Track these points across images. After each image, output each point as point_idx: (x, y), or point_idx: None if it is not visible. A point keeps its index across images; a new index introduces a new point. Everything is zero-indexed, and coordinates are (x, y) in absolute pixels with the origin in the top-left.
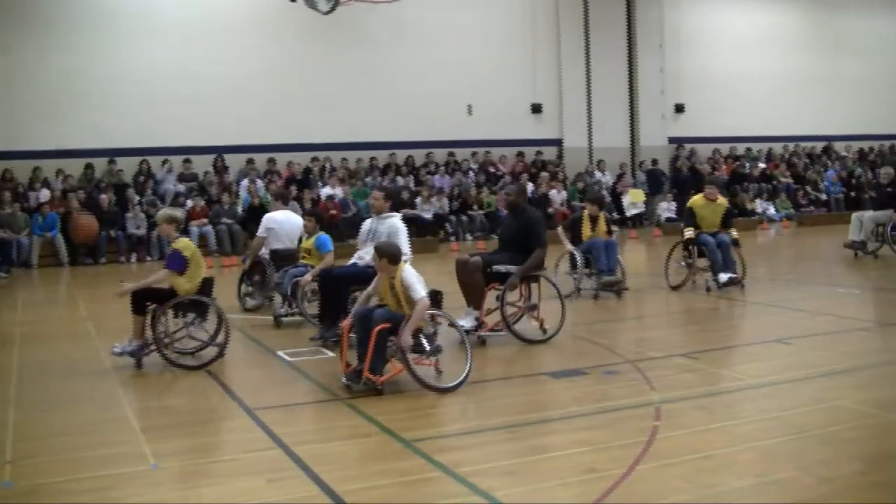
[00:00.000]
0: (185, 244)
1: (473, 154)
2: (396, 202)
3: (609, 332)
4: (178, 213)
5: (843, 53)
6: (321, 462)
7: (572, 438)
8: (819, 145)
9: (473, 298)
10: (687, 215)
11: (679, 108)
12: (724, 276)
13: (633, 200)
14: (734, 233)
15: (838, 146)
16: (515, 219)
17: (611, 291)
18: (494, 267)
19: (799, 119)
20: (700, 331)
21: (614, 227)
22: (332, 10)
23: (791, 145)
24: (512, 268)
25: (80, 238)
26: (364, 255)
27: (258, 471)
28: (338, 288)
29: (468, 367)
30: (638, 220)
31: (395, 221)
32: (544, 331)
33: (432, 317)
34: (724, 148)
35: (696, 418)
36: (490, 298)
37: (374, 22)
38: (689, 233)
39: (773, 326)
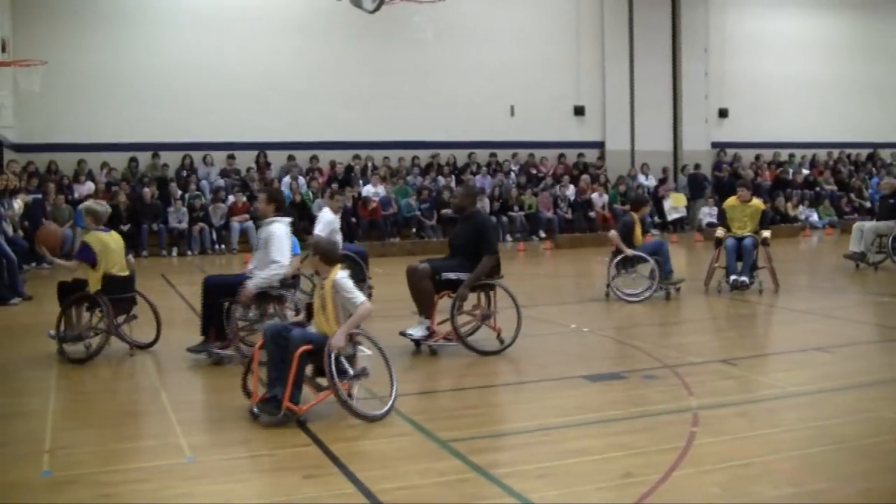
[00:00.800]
0: (96, 238)
1: (514, 155)
2: (280, 205)
3: (648, 336)
4: (100, 206)
5: (891, 59)
6: (357, 460)
7: (609, 442)
8: (864, 152)
9: (423, 306)
10: (719, 216)
11: (723, 113)
12: (731, 278)
13: (675, 205)
14: (765, 233)
15: (884, 153)
16: (466, 224)
17: (676, 289)
18: (444, 274)
19: (844, 125)
20: (739, 337)
21: (654, 231)
22: (378, 8)
23: (836, 152)
24: (462, 275)
25: (43, 245)
26: (250, 264)
27: (294, 467)
28: (212, 297)
29: (393, 391)
30: (679, 225)
31: (273, 227)
32: (501, 341)
33: (352, 337)
34: (768, 153)
35: (735, 425)
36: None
37: (418, 21)
38: (718, 232)
39: (813, 334)
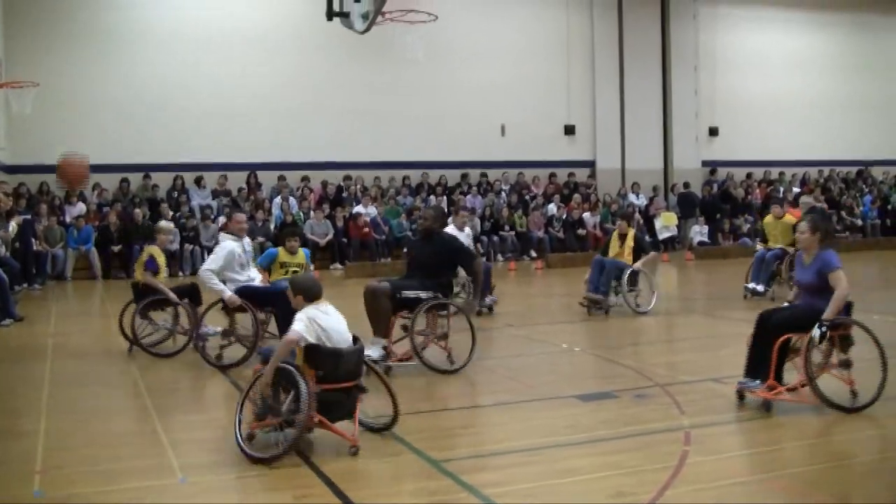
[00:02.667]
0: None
1: (504, 174)
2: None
3: (639, 354)
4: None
5: (880, 76)
6: (348, 480)
7: (601, 461)
8: (854, 170)
9: (380, 326)
10: (760, 231)
11: (713, 132)
12: (749, 286)
13: (666, 224)
14: (790, 248)
15: (875, 171)
16: (429, 244)
17: (596, 309)
18: (404, 293)
19: (834, 143)
20: (732, 354)
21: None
22: (368, 28)
23: (826, 170)
24: (422, 293)
25: (70, 182)
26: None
27: (285, 487)
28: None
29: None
30: (670, 244)
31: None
32: (451, 361)
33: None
34: (759, 172)
35: (728, 443)
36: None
37: (409, 41)
38: (757, 246)
39: None
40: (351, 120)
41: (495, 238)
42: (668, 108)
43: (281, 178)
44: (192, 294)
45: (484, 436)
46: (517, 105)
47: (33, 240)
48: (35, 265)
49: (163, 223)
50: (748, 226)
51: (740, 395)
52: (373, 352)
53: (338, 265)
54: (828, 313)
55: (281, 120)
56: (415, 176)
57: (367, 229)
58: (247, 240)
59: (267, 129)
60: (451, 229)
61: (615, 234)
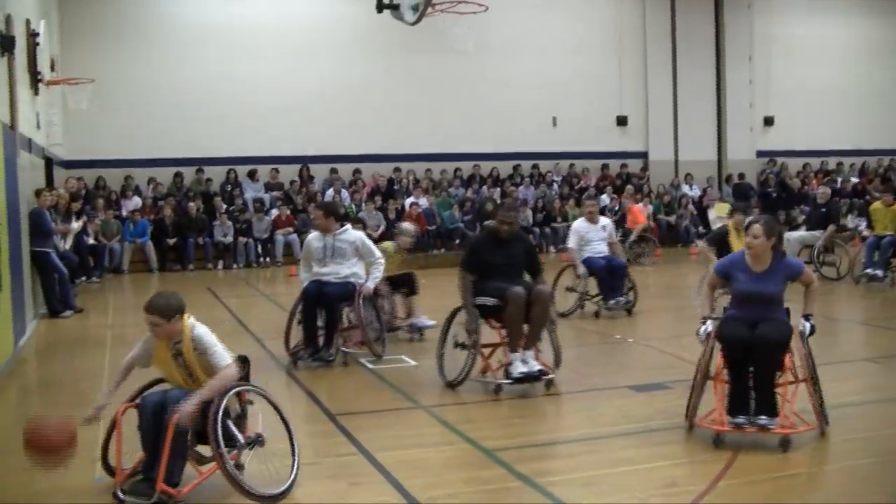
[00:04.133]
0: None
1: (556, 165)
2: (339, 216)
3: (693, 345)
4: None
5: None
6: (403, 468)
7: (654, 452)
8: None
9: (521, 337)
10: (867, 218)
11: (768, 121)
12: (865, 271)
13: (719, 214)
14: None
15: None
16: (516, 244)
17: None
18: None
19: (894, 132)
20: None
21: (698, 242)
22: (419, 20)
23: (886, 159)
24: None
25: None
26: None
27: (340, 475)
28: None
29: (294, 463)
30: None
31: (354, 233)
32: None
33: (240, 395)
34: (815, 162)
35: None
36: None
37: (459, 33)
38: (864, 232)
39: (863, 345)
40: (402, 112)
41: (547, 230)
42: (722, 98)
43: (333, 170)
44: (408, 283)
45: (537, 426)
46: (569, 96)
47: (90, 234)
48: (93, 259)
49: (404, 225)
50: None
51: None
52: (526, 366)
53: None
54: (811, 308)
55: (332, 113)
56: (466, 168)
57: (419, 222)
58: (349, 234)
59: (319, 123)
60: (579, 223)
61: (731, 226)
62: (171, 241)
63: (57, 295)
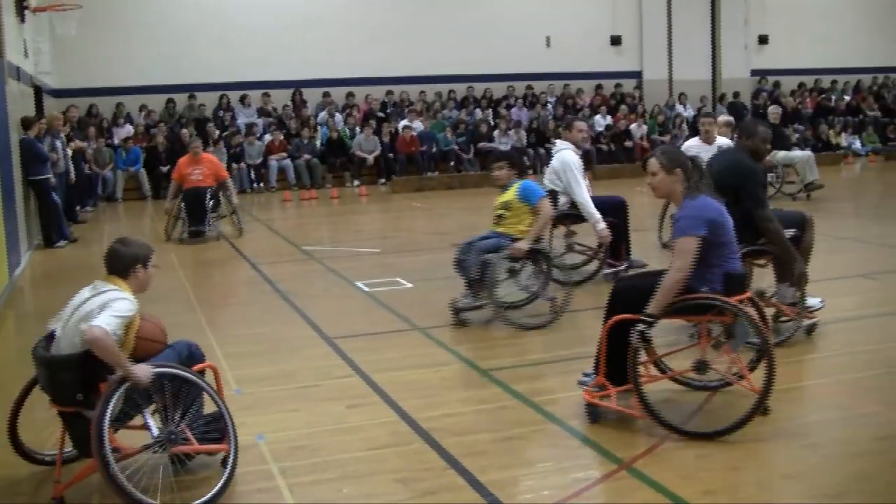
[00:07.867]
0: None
1: (550, 86)
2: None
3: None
4: None
5: None
6: (400, 389)
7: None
8: None
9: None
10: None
11: (763, 39)
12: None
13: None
14: None
15: None
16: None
17: None
18: None
19: (889, 49)
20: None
21: None
22: None
23: (881, 77)
24: None
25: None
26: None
27: (338, 397)
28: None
29: (229, 469)
30: None
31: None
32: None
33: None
34: (809, 80)
35: (778, 351)
36: None
37: None
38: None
39: (857, 261)
40: (394, 34)
41: (541, 150)
42: (717, 16)
43: (325, 94)
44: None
45: (534, 345)
46: (562, 16)
47: (83, 163)
48: (87, 187)
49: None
50: (797, 135)
51: None
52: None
53: (383, 180)
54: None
55: (324, 36)
56: (459, 90)
57: (413, 145)
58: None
59: (310, 47)
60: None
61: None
62: (165, 168)
63: (52, 225)
